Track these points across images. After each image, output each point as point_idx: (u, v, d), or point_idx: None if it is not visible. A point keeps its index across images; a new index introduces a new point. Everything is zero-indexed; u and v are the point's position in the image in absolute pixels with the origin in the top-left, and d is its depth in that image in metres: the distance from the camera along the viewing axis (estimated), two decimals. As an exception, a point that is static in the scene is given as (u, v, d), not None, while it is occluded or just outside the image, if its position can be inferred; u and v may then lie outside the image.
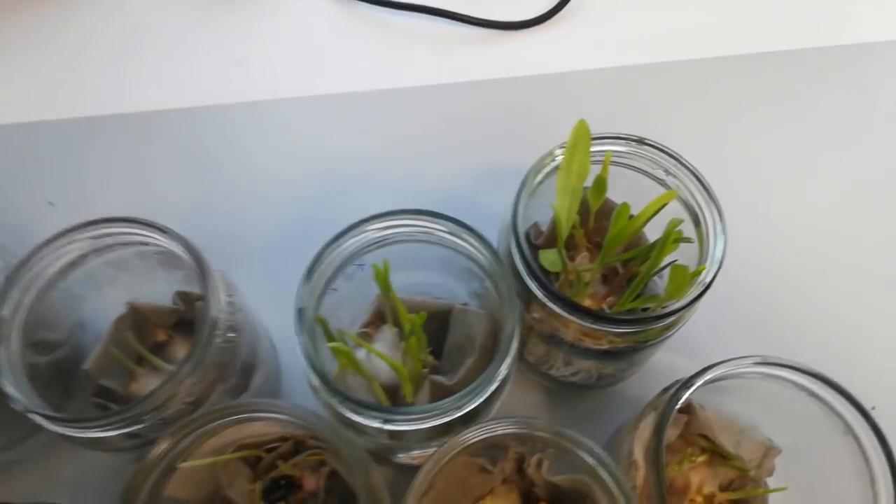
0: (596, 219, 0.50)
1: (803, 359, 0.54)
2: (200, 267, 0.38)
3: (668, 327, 0.44)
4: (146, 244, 0.43)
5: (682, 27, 0.71)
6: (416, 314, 0.49)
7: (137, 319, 0.49)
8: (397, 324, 0.46)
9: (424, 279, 0.52)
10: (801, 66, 0.70)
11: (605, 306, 0.49)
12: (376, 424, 0.37)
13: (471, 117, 0.67)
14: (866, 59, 0.71)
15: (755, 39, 0.71)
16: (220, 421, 0.36)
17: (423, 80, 0.68)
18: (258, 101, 0.66)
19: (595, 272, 0.47)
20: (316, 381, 0.37)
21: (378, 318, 0.51)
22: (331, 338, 0.43)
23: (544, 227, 0.52)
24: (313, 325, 0.40)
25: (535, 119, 0.66)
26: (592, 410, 0.53)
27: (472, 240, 0.40)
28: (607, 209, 0.50)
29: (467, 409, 0.38)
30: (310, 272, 0.39)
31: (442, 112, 0.67)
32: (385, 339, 0.51)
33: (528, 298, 0.43)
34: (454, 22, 0.71)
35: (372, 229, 0.41)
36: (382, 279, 0.43)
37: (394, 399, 0.46)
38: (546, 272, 0.47)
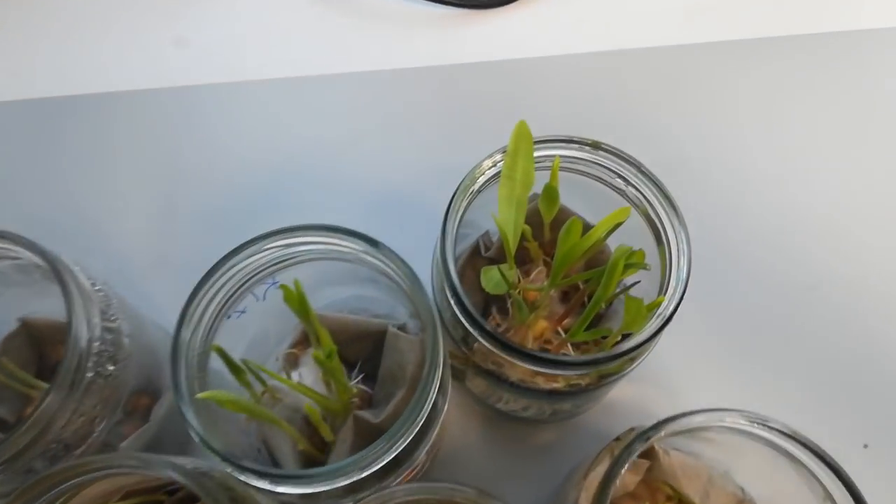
0: (552, 229, 0.43)
1: (787, 389, 0.49)
2: (63, 287, 0.32)
3: (629, 361, 0.38)
4: (19, 257, 0.36)
5: (671, 9, 0.64)
6: (342, 335, 0.44)
7: (33, 336, 0.44)
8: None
9: (358, 294, 0.46)
10: (799, 53, 0.63)
11: (560, 329, 0.43)
12: (264, 486, 0.31)
13: (436, 104, 0.60)
14: (868, 47, 0.63)
15: (751, 23, 0.64)
16: (66, 484, 0.30)
17: (383, 64, 0.62)
18: (199, 84, 0.60)
19: (547, 293, 0.41)
20: (194, 435, 0.31)
21: (307, 338, 0.46)
22: (233, 368, 0.37)
23: (497, 236, 0.46)
24: (201, 356, 0.34)
25: (507, 107, 0.59)
26: (548, 444, 0.47)
27: (385, 260, 0.34)
28: (564, 217, 0.44)
29: (375, 468, 0.32)
30: (188, 303, 0.33)
31: (405, 98, 0.61)
32: (312, 362, 0.45)
33: (466, 330, 0.37)
34: (419, 1, 0.64)
35: (272, 248, 0.34)
36: (295, 303, 0.37)
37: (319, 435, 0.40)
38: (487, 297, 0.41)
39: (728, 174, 0.56)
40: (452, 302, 0.35)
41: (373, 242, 0.34)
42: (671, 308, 0.34)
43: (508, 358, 0.34)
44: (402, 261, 0.34)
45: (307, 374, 0.44)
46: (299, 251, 0.36)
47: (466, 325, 0.35)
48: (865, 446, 0.48)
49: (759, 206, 0.55)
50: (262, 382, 0.39)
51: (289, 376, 0.43)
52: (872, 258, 0.53)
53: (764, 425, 0.32)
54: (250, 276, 0.36)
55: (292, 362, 0.45)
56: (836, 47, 0.63)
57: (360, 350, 0.44)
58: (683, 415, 0.32)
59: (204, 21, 0.64)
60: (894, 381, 0.50)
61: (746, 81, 0.61)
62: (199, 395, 0.31)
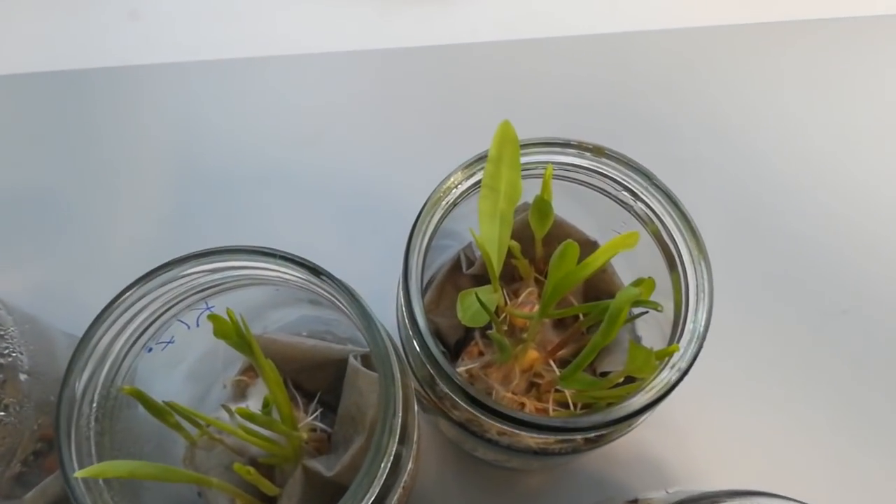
0: (545, 244, 0.37)
1: (815, 428, 0.42)
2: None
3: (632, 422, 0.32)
4: None
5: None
6: (297, 363, 0.38)
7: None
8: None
9: (318, 314, 0.40)
10: (829, 38, 0.55)
11: (553, 363, 0.36)
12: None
13: (417, 90, 0.54)
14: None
15: (772, 5, 0.56)
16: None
17: (359, 44, 0.55)
18: (154, 63, 0.53)
19: (537, 322, 0.34)
20: None
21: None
22: (156, 411, 0.31)
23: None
24: (108, 404, 0.28)
25: (497, 93, 0.52)
26: (535, 491, 0.41)
27: (332, 292, 0.27)
28: (560, 232, 0.37)
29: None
30: (84, 340, 0.26)
31: (382, 84, 0.54)
32: (262, 392, 0.39)
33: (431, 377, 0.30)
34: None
35: (193, 274, 0.28)
36: (231, 335, 0.30)
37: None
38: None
39: (747, 178, 0.49)
40: (417, 347, 0.28)
41: (314, 271, 0.27)
42: (688, 359, 0.27)
43: (485, 419, 0.27)
44: (350, 293, 0.27)
45: (256, 406, 0.38)
46: (230, 276, 0.29)
47: (433, 372, 0.28)
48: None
49: (786, 218, 0.48)
50: (196, 424, 0.33)
51: (232, 413, 0.36)
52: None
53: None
54: (171, 304, 0.29)
55: (241, 391, 0.39)
56: (883, 32, 0.55)
57: (320, 379, 0.39)
58: (704, 499, 0.25)
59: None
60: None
61: (771, 68, 0.54)
62: (79, 473, 0.24)
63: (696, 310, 0.28)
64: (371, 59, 0.54)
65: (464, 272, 0.40)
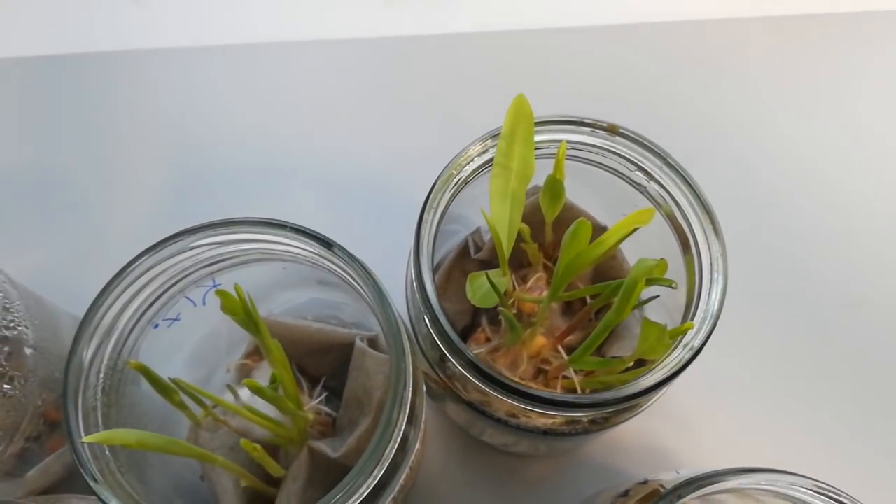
0: (555, 229, 0.36)
1: (823, 422, 0.42)
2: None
3: (644, 401, 0.31)
4: None
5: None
6: (303, 347, 0.38)
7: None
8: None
9: (325, 297, 0.39)
10: (848, 30, 0.55)
11: (561, 348, 0.36)
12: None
13: (423, 78, 0.53)
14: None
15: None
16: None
17: (364, 31, 0.54)
18: (157, 48, 0.53)
19: (546, 306, 0.34)
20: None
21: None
22: (162, 389, 0.30)
23: (490, 235, 0.39)
24: (113, 378, 0.27)
25: (506, 83, 0.51)
26: (541, 478, 0.41)
27: (343, 265, 0.27)
28: (570, 216, 0.36)
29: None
30: (93, 309, 0.25)
31: (388, 71, 0.54)
32: (268, 375, 0.38)
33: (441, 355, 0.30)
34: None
35: (201, 246, 0.27)
36: (238, 311, 0.30)
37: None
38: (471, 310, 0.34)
39: (763, 169, 0.49)
40: (427, 321, 0.28)
41: (325, 244, 0.27)
42: (701, 337, 0.27)
43: (493, 393, 0.27)
44: (363, 267, 0.27)
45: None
46: (239, 250, 0.29)
47: (444, 349, 0.28)
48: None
49: (799, 206, 0.48)
50: (201, 404, 0.33)
51: (237, 394, 0.36)
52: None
53: (833, 498, 0.25)
54: (179, 277, 0.29)
55: (245, 374, 0.39)
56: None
57: (325, 364, 0.38)
58: (711, 477, 0.25)
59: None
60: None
61: (791, 60, 0.54)
62: (86, 439, 0.24)
63: (711, 289, 0.28)
64: (377, 47, 0.54)
65: (472, 257, 0.39)
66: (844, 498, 0.25)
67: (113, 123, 0.50)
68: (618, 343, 0.37)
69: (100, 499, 0.24)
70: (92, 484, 0.23)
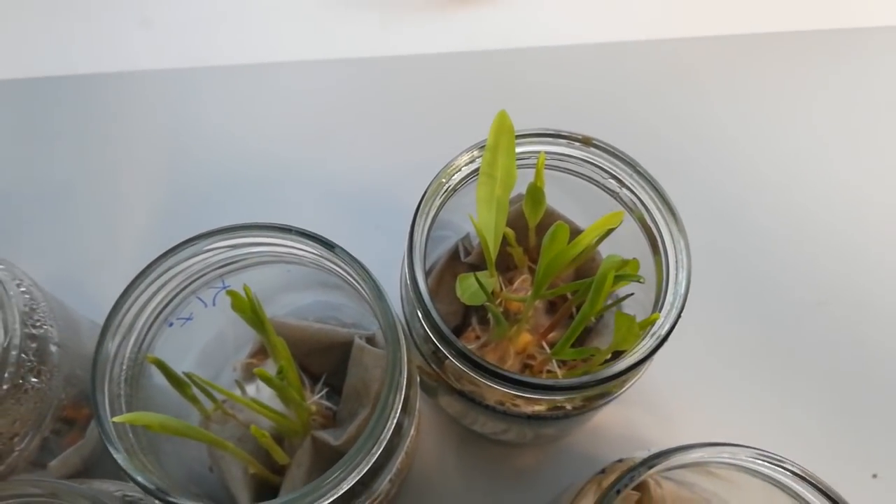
0: (538, 234, 0.39)
1: (791, 414, 0.45)
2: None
3: (619, 385, 0.34)
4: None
5: (671, 1, 0.60)
6: (305, 346, 0.40)
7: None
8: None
9: (325, 300, 0.42)
10: (819, 47, 0.59)
11: (545, 344, 0.39)
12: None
13: (418, 95, 0.56)
14: (885, 45, 0.59)
15: (755, 18, 0.59)
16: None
17: (362, 52, 0.57)
18: (163, 69, 0.56)
19: (531, 304, 0.37)
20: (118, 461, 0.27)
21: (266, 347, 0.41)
22: (175, 382, 0.33)
23: (478, 240, 0.42)
24: (133, 371, 0.30)
25: (493, 100, 0.54)
26: (529, 468, 0.43)
27: (343, 265, 0.30)
28: (551, 221, 0.39)
29: (331, 499, 0.28)
30: (113, 313, 0.28)
31: (384, 88, 0.57)
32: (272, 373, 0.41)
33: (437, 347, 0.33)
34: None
35: (215, 248, 0.30)
36: (246, 310, 0.33)
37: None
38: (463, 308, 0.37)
39: (731, 179, 0.52)
40: (420, 315, 0.31)
41: (328, 245, 0.30)
42: (667, 327, 0.30)
43: (483, 381, 0.30)
44: (362, 266, 0.30)
45: (266, 388, 0.40)
46: (248, 253, 0.32)
47: (437, 343, 0.31)
48: (874, 476, 0.44)
49: (764, 214, 0.51)
50: (211, 398, 0.35)
51: (244, 389, 0.39)
52: (886, 271, 0.49)
53: (778, 465, 0.28)
54: (193, 279, 0.32)
55: (250, 373, 0.41)
56: (853, 44, 0.59)
57: (325, 362, 0.41)
58: (678, 450, 0.28)
59: (172, 1, 0.59)
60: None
61: (752, 78, 0.57)
62: (116, 419, 0.26)
63: (675, 282, 0.31)
64: (373, 66, 0.57)
65: (462, 260, 0.42)
66: (795, 468, 0.28)
67: (122, 140, 0.53)
68: (598, 339, 0.40)
69: (127, 474, 0.26)
70: (120, 459, 0.26)
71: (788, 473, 0.28)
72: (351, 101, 0.56)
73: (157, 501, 0.27)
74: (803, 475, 0.28)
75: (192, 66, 0.55)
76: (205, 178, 0.53)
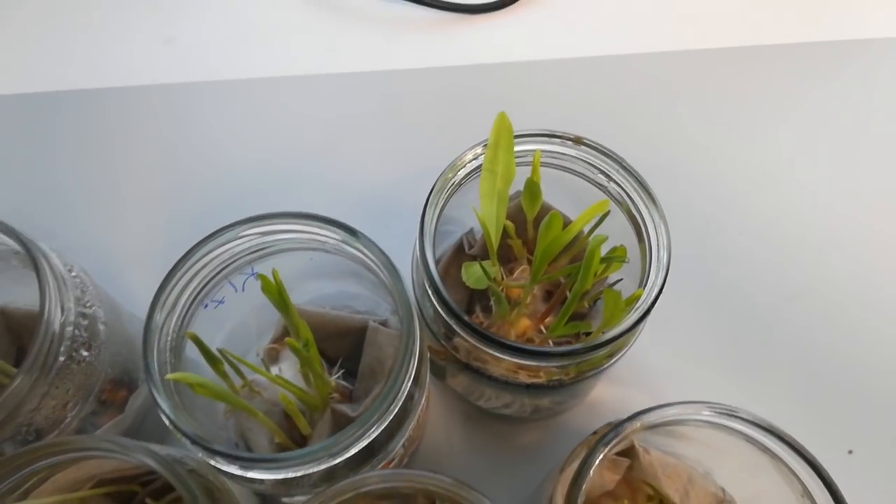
0: (535, 227, 0.43)
1: (772, 395, 0.48)
2: (36, 269, 0.32)
3: (607, 356, 0.38)
4: (-2, 242, 0.36)
5: (661, 15, 0.64)
6: (323, 331, 0.44)
7: (12, 326, 0.43)
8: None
9: (341, 289, 0.46)
10: (793, 62, 0.63)
11: (543, 327, 0.43)
12: (235, 471, 0.31)
13: (424, 106, 0.60)
14: (866, 57, 0.63)
15: (746, 31, 0.64)
16: (41, 463, 0.29)
17: (373, 66, 0.62)
18: (187, 82, 0.60)
19: (529, 289, 0.41)
20: (163, 417, 0.31)
21: (287, 333, 0.45)
22: (209, 357, 0.37)
23: (481, 234, 0.46)
24: (175, 343, 0.34)
25: (495, 110, 0.58)
26: (532, 443, 0.47)
27: (364, 249, 0.34)
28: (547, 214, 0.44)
29: (348, 455, 0.32)
30: (162, 287, 0.32)
31: (392, 100, 0.61)
32: (293, 357, 0.45)
33: (447, 325, 0.37)
34: (409, 4, 0.64)
35: (248, 235, 0.34)
36: (273, 292, 0.37)
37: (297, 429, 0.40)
38: (471, 288, 0.41)
39: (716, 181, 0.56)
40: (431, 293, 0.35)
41: (351, 231, 0.34)
42: (650, 300, 0.34)
43: (488, 350, 0.34)
44: (380, 250, 0.34)
45: (287, 370, 0.44)
46: (277, 240, 0.36)
47: (446, 317, 0.34)
48: (850, 452, 0.48)
49: (745, 214, 0.55)
50: (240, 374, 0.39)
51: (269, 368, 0.42)
52: (856, 268, 0.53)
53: (734, 416, 0.31)
54: (227, 263, 0.36)
55: (272, 357, 0.45)
56: (826, 57, 0.63)
57: (341, 347, 0.44)
58: (658, 407, 0.32)
59: (194, 20, 0.64)
60: (879, 388, 0.49)
61: (736, 89, 0.62)
62: (170, 376, 0.30)
63: (658, 261, 0.35)
64: (379, 79, 0.61)
65: (466, 253, 0.46)
66: (764, 423, 0.32)
67: (152, 149, 0.57)
68: (592, 322, 0.44)
69: (174, 424, 0.30)
70: (167, 409, 0.30)
71: (749, 425, 0.31)
72: (360, 110, 0.60)
73: (199, 452, 0.31)
74: (763, 425, 0.31)
75: (214, 80, 0.60)
76: (226, 181, 0.57)
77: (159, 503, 0.38)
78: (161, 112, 0.59)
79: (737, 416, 0.31)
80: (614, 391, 0.47)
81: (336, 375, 0.44)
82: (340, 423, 0.40)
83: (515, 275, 0.45)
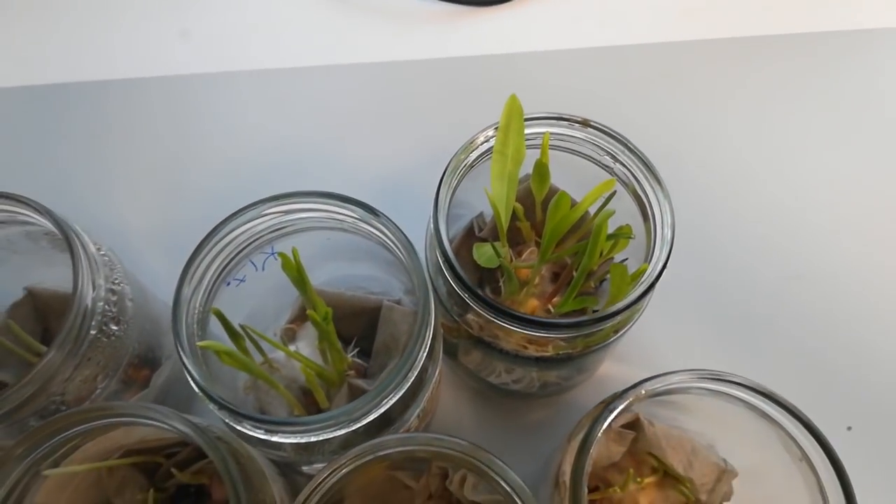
0: (544, 209, 0.44)
1: (776, 373, 0.50)
2: (70, 246, 0.34)
3: (613, 330, 0.40)
4: (29, 223, 0.38)
5: (665, 6, 0.66)
6: (339, 311, 0.45)
7: (39, 306, 0.45)
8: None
9: (356, 271, 0.47)
10: (795, 52, 0.64)
11: (550, 307, 0.44)
12: (260, 435, 0.33)
13: (434, 96, 0.62)
14: (866, 47, 0.65)
15: (747, 22, 0.65)
16: (76, 429, 0.31)
17: (382, 57, 0.63)
18: (203, 73, 0.62)
19: (538, 269, 0.42)
20: (192, 383, 0.32)
21: (304, 313, 0.47)
22: (232, 333, 0.38)
23: (491, 217, 0.47)
24: (201, 317, 0.36)
25: (502, 99, 0.60)
26: (540, 420, 0.49)
27: (382, 227, 0.35)
28: (555, 199, 0.45)
29: (366, 420, 0.33)
30: (190, 261, 0.34)
31: (403, 90, 0.62)
32: (309, 337, 0.46)
33: (460, 300, 0.38)
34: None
35: (270, 213, 0.36)
36: (293, 270, 0.38)
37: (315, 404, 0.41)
38: (481, 269, 0.42)
39: (720, 168, 0.58)
40: (445, 268, 0.36)
41: (371, 210, 0.35)
42: (655, 273, 0.35)
43: (500, 322, 0.35)
44: (398, 228, 0.35)
45: (304, 348, 0.45)
46: (298, 218, 0.37)
47: (460, 292, 0.36)
48: (849, 429, 0.49)
49: (748, 200, 0.57)
50: (261, 351, 0.40)
51: (287, 346, 0.44)
52: (858, 247, 0.55)
53: (734, 383, 0.33)
54: (249, 241, 0.37)
55: (290, 337, 0.46)
56: (827, 47, 0.64)
57: (356, 326, 0.46)
58: (661, 374, 0.33)
59: (209, 12, 0.65)
60: (878, 365, 0.51)
61: (739, 78, 0.63)
62: (200, 344, 0.32)
63: (662, 237, 0.36)
64: (391, 70, 0.63)
65: (477, 235, 0.47)
66: (763, 389, 0.33)
67: (173, 137, 0.59)
68: (599, 301, 0.45)
69: (203, 390, 0.32)
70: (197, 374, 0.31)
71: (745, 389, 0.33)
72: (372, 99, 0.62)
73: (226, 416, 0.32)
74: (758, 389, 0.33)
75: (231, 71, 0.61)
76: (243, 169, 0.58)
77: (183, 473, 0.40)
78: (178, 102, 0.61)
79: (736, 383, 0.33)
80: (620, 369, 0.49)
81: (351, 353, 0.45)
82: (357, 397, 0.41)
83: (524, 256, 0.46)
